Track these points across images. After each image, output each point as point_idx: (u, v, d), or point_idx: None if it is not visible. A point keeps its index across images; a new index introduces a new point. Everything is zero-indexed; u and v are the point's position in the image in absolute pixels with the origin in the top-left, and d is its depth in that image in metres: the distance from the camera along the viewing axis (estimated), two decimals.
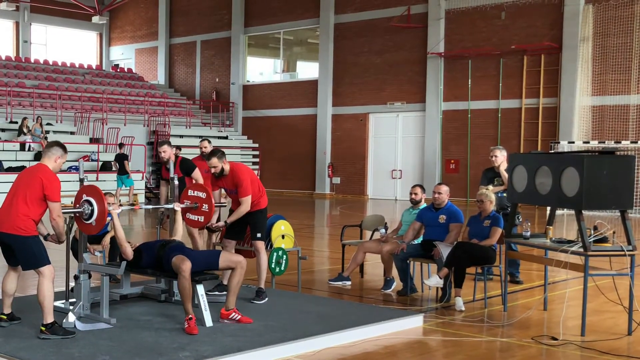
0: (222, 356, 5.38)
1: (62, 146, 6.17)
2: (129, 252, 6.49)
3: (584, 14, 21.93)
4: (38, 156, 21.28)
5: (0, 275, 6.66)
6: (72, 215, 6.51)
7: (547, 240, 7.12)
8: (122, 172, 20.99)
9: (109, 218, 8.39)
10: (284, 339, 5.86)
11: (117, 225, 6.44)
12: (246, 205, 7.25)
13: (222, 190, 7.66)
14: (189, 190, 7.24)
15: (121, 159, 21.08)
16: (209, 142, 9.27)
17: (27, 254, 5.85)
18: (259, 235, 7.44)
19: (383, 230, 8.82)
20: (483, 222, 7.89)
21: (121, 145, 22.12)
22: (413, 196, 8.63)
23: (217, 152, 7.34)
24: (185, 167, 8.59)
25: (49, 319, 5.79)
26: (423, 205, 8.57)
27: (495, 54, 23.61)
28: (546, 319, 7.16)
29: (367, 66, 26.85)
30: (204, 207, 7.08)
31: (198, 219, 7.16)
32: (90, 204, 6.17)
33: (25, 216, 5.80)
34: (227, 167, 7.29)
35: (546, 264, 7.47)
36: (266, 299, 7.28)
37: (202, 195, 7.10)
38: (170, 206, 7.16)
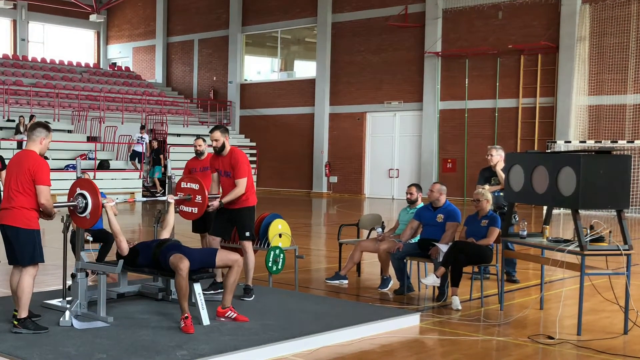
0: (219, 355, 5.38)
1: (45, 126, 6.02)
2: (124, 246, 6.48)
3: (581, 13, 21.95)
4: None
5: (6, 277, 6.64)
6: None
7: (544, 240, 7.13)
8: (158, 163, 24.05)
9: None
10: (281, 337, 5.86)
11: (112, 218, 6.41)
12: (242, 187, 7.16)
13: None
14: (182, 182, 7.25)
15: (157, 152, 24.54)
16: (204, 140, 9.20)
17: (26, 247, 5.81)
18: (247, 234, 7.33)
19: (380, 229, 8.84)
20: (480, 222, 7.89)
21: (157, 142, 25.30)
22: (409, 196, 8.68)
23: (221, 126, 7.32)
24: (1, 161, 9.90)
25: (24, 314, 5.83)
26: (420, 204, 8.58)
27: (492, 53, 23.62)
28: (542, 318, 7.16)
29: (364, 65, 26.86)
30: (197, 198, 7.09)
31: (192, 210, 7.17)
32: (84, 197, 6.15)
33: (26, 209, 5.78)
34: (227, 146, 7.24)
35: (543, 263, 7.49)
36: (253, 296, 7.30)
37: (195, 186, 7.11)
38: (164, 198, 7.25)
